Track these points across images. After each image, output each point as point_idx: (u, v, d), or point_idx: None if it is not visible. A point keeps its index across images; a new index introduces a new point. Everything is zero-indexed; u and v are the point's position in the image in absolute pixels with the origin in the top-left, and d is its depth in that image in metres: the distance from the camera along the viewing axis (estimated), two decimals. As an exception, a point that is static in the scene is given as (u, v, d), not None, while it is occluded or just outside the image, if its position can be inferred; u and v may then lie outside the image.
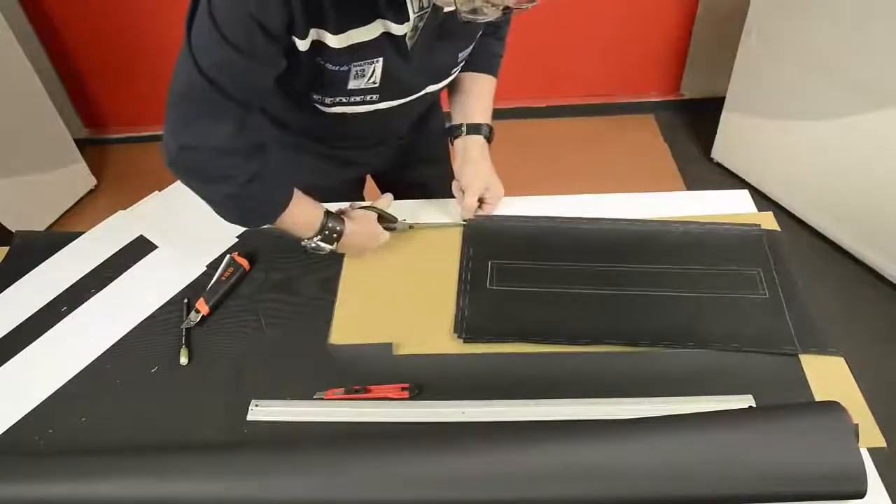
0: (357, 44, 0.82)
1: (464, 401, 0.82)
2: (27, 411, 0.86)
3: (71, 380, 0.90)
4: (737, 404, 0.80)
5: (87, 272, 1.05)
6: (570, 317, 0.92)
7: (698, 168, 2.46)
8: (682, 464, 0.64)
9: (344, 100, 0.92)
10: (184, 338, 0.93)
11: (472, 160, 1.08)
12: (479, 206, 1.09)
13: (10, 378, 0.91)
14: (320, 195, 0.99)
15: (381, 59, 0.86)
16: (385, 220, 1.03)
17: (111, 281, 1.03)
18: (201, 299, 0.96)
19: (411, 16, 0.81)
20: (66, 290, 1.02)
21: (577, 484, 0.65)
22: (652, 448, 0.65)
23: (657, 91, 2.76)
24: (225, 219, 0.91)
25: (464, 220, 1.09)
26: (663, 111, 2.76)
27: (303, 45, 0.79)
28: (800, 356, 0.85)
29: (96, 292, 1.02)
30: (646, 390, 0.82)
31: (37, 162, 2.30)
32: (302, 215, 0.94)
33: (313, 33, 0.78)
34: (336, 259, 1.03)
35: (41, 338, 0.96)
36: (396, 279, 1.00)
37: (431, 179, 1.29)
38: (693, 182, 2.38)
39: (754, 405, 0.80)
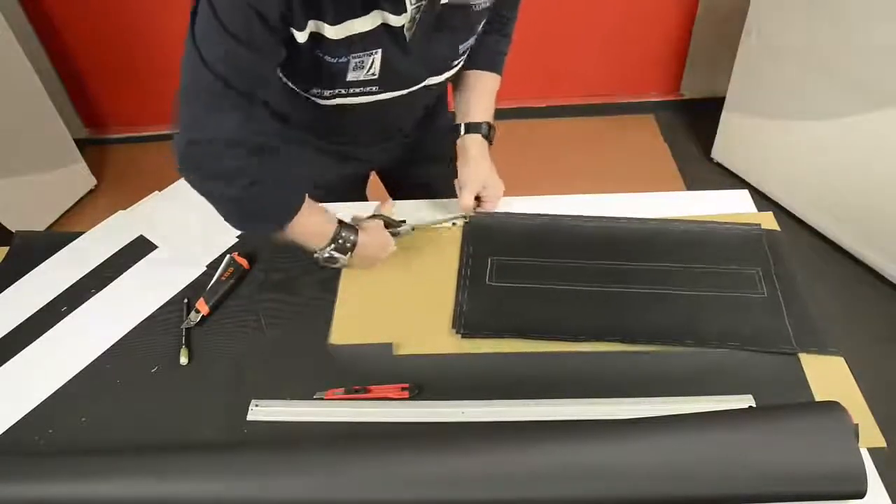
0: (356, 35, 0.81)
1: (464, 401, 0.82)
2: (27, 411, 0.86)
3: (71, 380, 0.90)
4: (737, 404, 0.80)
5: (87, 272, 1.05)
6: (568, 314, 0.92)
7: (698, 168, 2.46)
8: (682, 464, 0.64)
9: (343, 91, 0.91)
10: (184, 338, 0.93)
11: (470, 159, 1.08)
12: (478, 205, 1.09)
13: (10, 378, 0.91)
14: (321, 192, 0.98)
15: (379, 51, 0.85)
16: (390, 226, 1.03)
17: (111, 281, 1.03)
18: (201, 299, 0.96)
19: (409, 6, 0.81)
20: (66, 290, 1.02)
21: (577, 484, 0.65)
22: (652, 448, 0.65)
23: (657, 91, 2.76)
24: (235, 224, 0.89)
25: (464, 218, 1.09)
26: (663, 111, 2.76)
27: (301, 36, 0.79)
28: (800, 356, 0.85)
29: (96, 292, 1.02)
30: (646, 390, 0.82)
31: (37, 162, 2.30)
32: (314, 224, 0.92)
33: (311, 25, 0.78)
34: (336, 259, 1.03)
35: (41, 338, 0.96)
36: (396, 279, 1.00)
37: (436, 178, 1.28)
38: (693, 182, 2.38)
39: (754, 405, 0.80)
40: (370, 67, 0.87)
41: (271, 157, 0.85)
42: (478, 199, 1.08)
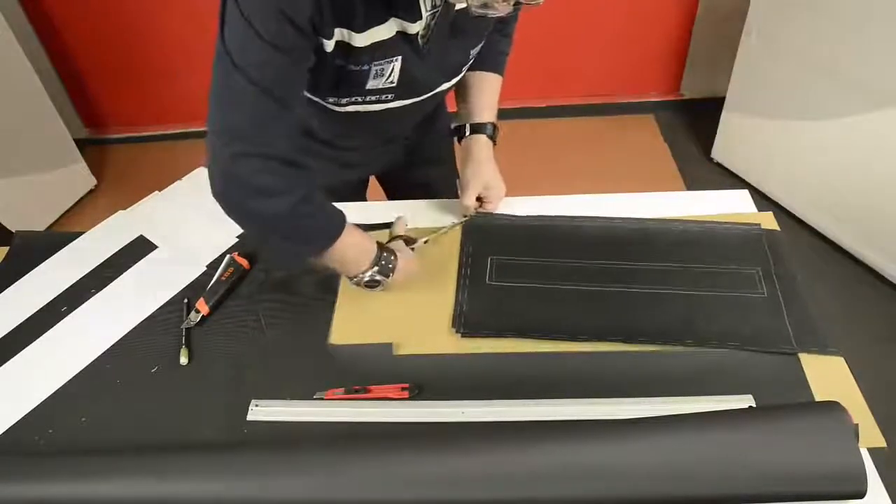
0: (378, 42, 0.81)
1: (464, 401, 0.82)
2: (27, 411, 0.86)
3: (71, 380, 0.90)
4: (737, 404, 0.80)
5: (87, 272, 1.05)
6: (568, 313, 0.92)
7: (698, 168, 2.46)
8: (682, 464, 0.64)
9: (360, 99, 0.91)
10: (184, 338, 0.93)
11: (473, 159, 1.08)
12: (480, 206, 1.09)
13: (10, 378, 0.91)
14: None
15: (399, 58, 0.85)
16: (409, 242, 1.03)
17: (111, 281, 1.03)
18: (201, 299, 0.96)
19: (424, 14, 0.81)
20: (66, 290, 1.02)
21: (577, 484, 0.65)
22: (652, 448, 0.65)
23: (657, 91, 2.76)
24: (274, 245, 0.88)
25: (463, 217, 1.09)
26: (663, 111, 2.76)
27: (328, 45, 0.79)
28: (800, 356, 0.85)
29: (96, 292, 1.02)
30: (646, 390, 0.82)
31: (37, 162, 2.30)
32: (355, 245, 0.89)
33: (338, 33, 0.78)
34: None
35: (41, 338, 0.96)
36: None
37: (435, 180, 1.28)
38: (693, 182, 2.38)
39: (754, 405, 0.80)
40: (389, 75, 0.87)
41: (308, 171, 0.82)
42: (479, 199, 1.09)
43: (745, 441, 0.65)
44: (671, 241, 1.02)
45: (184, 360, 0.90)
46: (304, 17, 0.73)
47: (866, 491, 0.62)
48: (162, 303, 0.99)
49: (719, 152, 2.41)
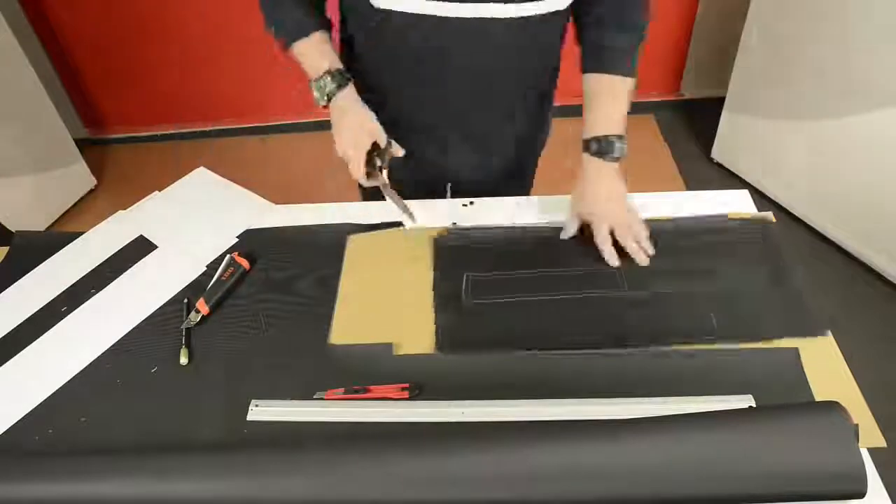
0: None
1: (464, 401, 0.82)
2: (27, 411, 0.86)
3: (71, 380, 0.90)
4: (737, 404, 0.80)
5: (87, 272, 1.05)
6: (549, 323, 0.91)
7: (698, 168, 2.46)
8: (683, 464, 0.64)
9: None
10: (184, 338, 0.93)
11: (582, 179, 0.98)
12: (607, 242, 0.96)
13: (10, 378, 0.91)
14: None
15: None
16: (377, 157, 0.98)
17: (111, 281, 1.03)
18: (201, 299, 0.96)
19: None
20: (66, 290, 1.02)
21: (577, 484, 0.65)
22: (652, 448, 0.65)
23: (657, 91, 2.76)
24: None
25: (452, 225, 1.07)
26: (663, 111, 2.76)
27: None
28: (800, 356, 0.85)
29: (96, 292, 1.02)
30: (646, 390, 0.82)
31: (37, 162, 2.30)
32: (311, 57, 0.98)
33: None
34: (336, 259, 1.03)
35: (41, 338, 0.96)
36: (396, 279, 1.00)
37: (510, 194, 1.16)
38: (693, 182, 2.38)
39: (754, 405, 0.80)
40: None
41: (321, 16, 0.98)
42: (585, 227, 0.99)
43: (744, 441, 0.65)
44: (658, 241, 1.01)
45: (184, 360, 0.90)
46: None
47: (866, 491, 0.62)
48: (162, 303, 0.99)
49: (719, 152, 2.41)
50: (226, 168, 1.25)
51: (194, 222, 1.12)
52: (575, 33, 1.05)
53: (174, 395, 0.87)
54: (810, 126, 1.99)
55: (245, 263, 1.02)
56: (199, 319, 0.95)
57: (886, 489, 0.71)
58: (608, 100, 0.97)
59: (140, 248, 1.09)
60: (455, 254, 1.03)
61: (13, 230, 1.25)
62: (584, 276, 0.97)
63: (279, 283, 1.01)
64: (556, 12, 0.93)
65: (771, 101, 2.10)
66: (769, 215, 1.07)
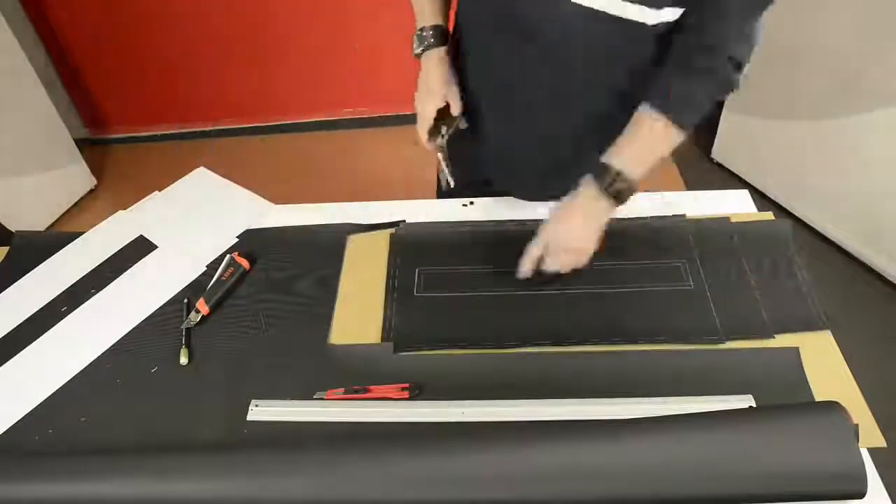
0: None
1: (464, 401, 0.82)
2: (27, 411, 0.86)
3: (71, 380, 0.90)
4: (737, 404, 0.80)
5: (87, 272, 1.05)
6: (497, 320, 0.91)
7: (698, 168, 2.46)
8: (683, 464, 0.64)
9: None
10: (184, 338, 0.93)
11: (561, 206, 0.88)
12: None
13: (10, 378, 0.91)
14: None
15: None
16: (444, 123, 0.97)
17: (111, 281, 1.03)
18: (201, 299, 0.96)
19: None
20: (66, 290, 1.02)
21: (577, 484, 0.65)
22: (652, 448, 0.65)
23: (657, 91, 2.75)
24: None
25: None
26: (663, 111, 2.76)
27: None
28: (800, 356, 0.85)
29: (96, 292, 1.02)
30: (646, 390, 0.82)
31: (37, 162, 2.30)
32: (419, 5, 0.97)
33: None
34: (336, 259, 1.03)
35: (41, 338, 0.96)
36: (396, 279, 1.00)
37: None
38: (693, 182, 2.38)
39: (754, 405, 0.80)
40: None
41: None
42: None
43: (745, 441, 0.65)
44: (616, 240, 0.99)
45: (184, 360, 0.90)
46: None
47: (866, 491, 0.63)
48: (162, 303, 0.99)
49: (719, 152, 2.41)
50: (226, 168, 1.25)
51: (194, 222, 1.12)
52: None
53: (174, 395, 0.87)
54: (810, 126, 1.98)
55: (245, 263, 1.02)
56: (199, 319, 0.95)
57: (886, 489, 0.71)
58: (641, 139, 0.84)
59: (140, 248, 1.09)
60: (409, 249, 1.03)
61: (13, 230, 1.25)
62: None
63: (279, 283, 1.01)
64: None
65: (771, 101, 2.09)
66: (769, 215, 1.07)
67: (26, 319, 0.98)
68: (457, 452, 0.68)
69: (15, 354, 0.93)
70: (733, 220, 1.05)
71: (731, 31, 0.77)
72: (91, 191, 2.57)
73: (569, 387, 0.83)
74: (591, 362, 0.86)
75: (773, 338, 0.87)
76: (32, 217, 2.31)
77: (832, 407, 0.66)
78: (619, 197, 0.84)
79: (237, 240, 1.08)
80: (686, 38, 0.79)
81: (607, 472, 0.65)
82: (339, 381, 0.86)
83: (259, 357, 0.91)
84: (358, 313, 0.95)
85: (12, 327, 0.97)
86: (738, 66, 0.79)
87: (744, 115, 2.23)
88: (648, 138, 0.83)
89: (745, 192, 1.12)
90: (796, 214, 2.15)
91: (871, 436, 0.75)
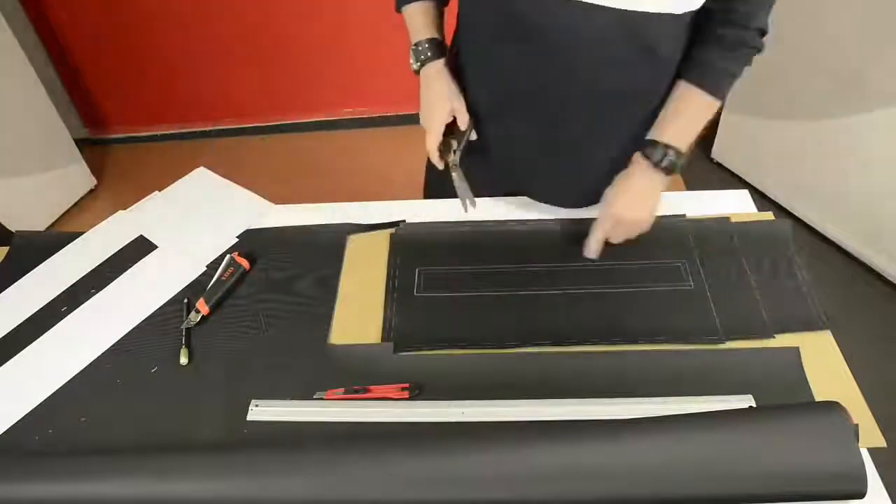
0: None
1: (464, 401, 0.82)
2: (27, 411, 0.86)
3: (71, 380, 0.90)
4: (737, 404, 0.80)
5: (87, 272, 1.05)
6: (497, 320, 0.91)
7: (698, 168, 2.46)
8: (683, 464, 0.64)
9: None
10: (184, 338, 0.93)
11: (619, 183, 0.92)
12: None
13: (10, 378, 0.91)
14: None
15: None
16: (453, 138, 0.96)
17: (111, 281, 1.03)
18: (201, 299, 0.96)
19: None
20: (66, 290, 1.02)
21: (577, 484, 0.65)
22: (652, 448, 0.65)
23: (657, 91, 2.76)
24: None
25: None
26: (663, 111, 2.76)
27: None
28: (800, 356, 0.85)
29: (96, 292, 1.02)
30: (646, 390, 0.82)
31: (37, 162, 2.30)
32: (414, 24, 0.97)
33: None
34: (336, 259, 1.03)
35: (41, 338, 0.96)
36: (396, 279, 1.00)
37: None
38: (693, 182, 2.38)
39: (754, 405, 0.80)
40: None
41: None
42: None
43: (745, 441, 0.65)
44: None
45: (184, 360, 0.90)
46: None
47: (866, 491, 0.63)
48: (162, 303, 0.99)
49: (719, 152, 2.41)
50: (226, 168, 1.25)
51: (194, 222, 1.12)
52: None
53: (174, 395, 0.87)
54: (810, 126, 1.99)
55: (245, 263, 1.02)
56: (199, 319, 0.95)
57: (886, 489, 0.71)
58: (690, 111, 0.91)
59: (140, 248, 1.09)
60: (410, 248, 1.03)
61: (13, 230, 1.25)
62: (536, 274, 0.97)
63: (279, 283, 1.01)
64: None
65: (770, 101, 2.10)
66: (769, 215, 1.07)
67: (26, 319, 0.98)
68: (457, 452, 0.68)
69: (15, 354, 0.93)
70: (733, 220, 1.05)
71: (758, 6, 0.85)
72: (91, 191, 2.57)
73: (569, 387, 0.83)
74: (591, 362, 0.86)
75: (773, 338, 0.87)
76: (32, 217, 2.31)
77: (832, 407, 0.66)
78: (671, 169, 0.91)
79: (237, 240, 1.08)
80: (715, 16, 0.85)
81: (607, 472, 0.65)
82: (339, 381, 0.86)
83: (259, 357, 0.91)
84: (358, 313, 0.95)
85: (12, 327, 0.97)
86: (763, 33, 0.86)
87: (743, 115, 2.23)
88: (691, 111, 0.91)
89: (744, 192, 1.12)
90: (796, 214, 2.15)
91: (871, 436, 0.75)
